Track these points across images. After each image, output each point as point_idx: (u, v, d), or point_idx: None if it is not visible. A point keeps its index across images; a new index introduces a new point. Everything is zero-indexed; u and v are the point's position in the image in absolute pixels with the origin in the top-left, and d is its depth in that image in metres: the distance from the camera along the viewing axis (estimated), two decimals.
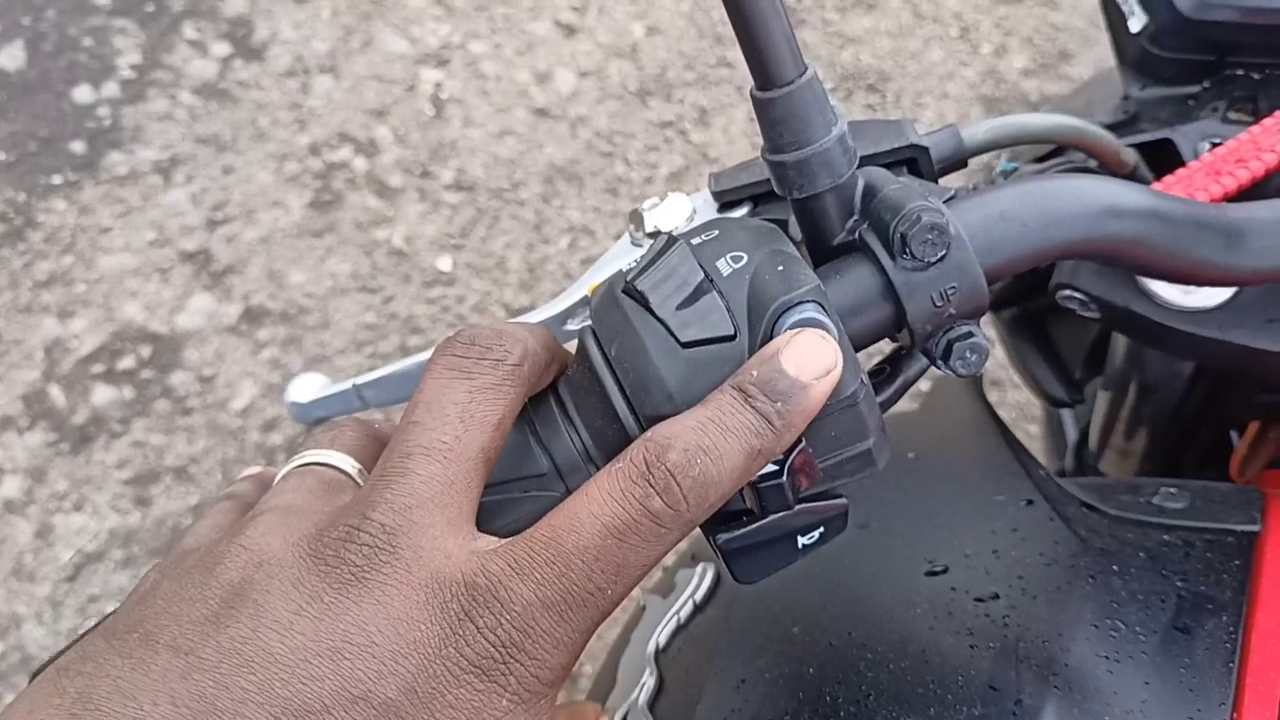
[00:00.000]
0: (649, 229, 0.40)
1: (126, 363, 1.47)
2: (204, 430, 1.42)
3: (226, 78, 1.70)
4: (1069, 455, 0.68)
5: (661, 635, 0.43)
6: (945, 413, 0.51)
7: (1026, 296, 0.58)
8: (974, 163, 0.43)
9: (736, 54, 1.72)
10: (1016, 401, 1.41)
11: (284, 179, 1.61)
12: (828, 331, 0.28)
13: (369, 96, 1.69)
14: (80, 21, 1.72)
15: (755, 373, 0.28)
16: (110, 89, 1.67)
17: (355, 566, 0.26)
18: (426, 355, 0.42)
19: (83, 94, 1.66)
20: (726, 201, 0.40)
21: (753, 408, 0.27)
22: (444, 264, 1.56)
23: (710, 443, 0.27)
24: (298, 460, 0.31)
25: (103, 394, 1.44)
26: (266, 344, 1.49)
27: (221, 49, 1.72)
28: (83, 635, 0.28)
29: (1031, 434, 1.30)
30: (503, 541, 0.28)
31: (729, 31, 1.73)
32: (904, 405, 0.36)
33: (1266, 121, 0.41)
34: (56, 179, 1.60)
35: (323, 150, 1.64)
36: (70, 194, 1.59)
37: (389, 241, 1.57)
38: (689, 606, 0.43)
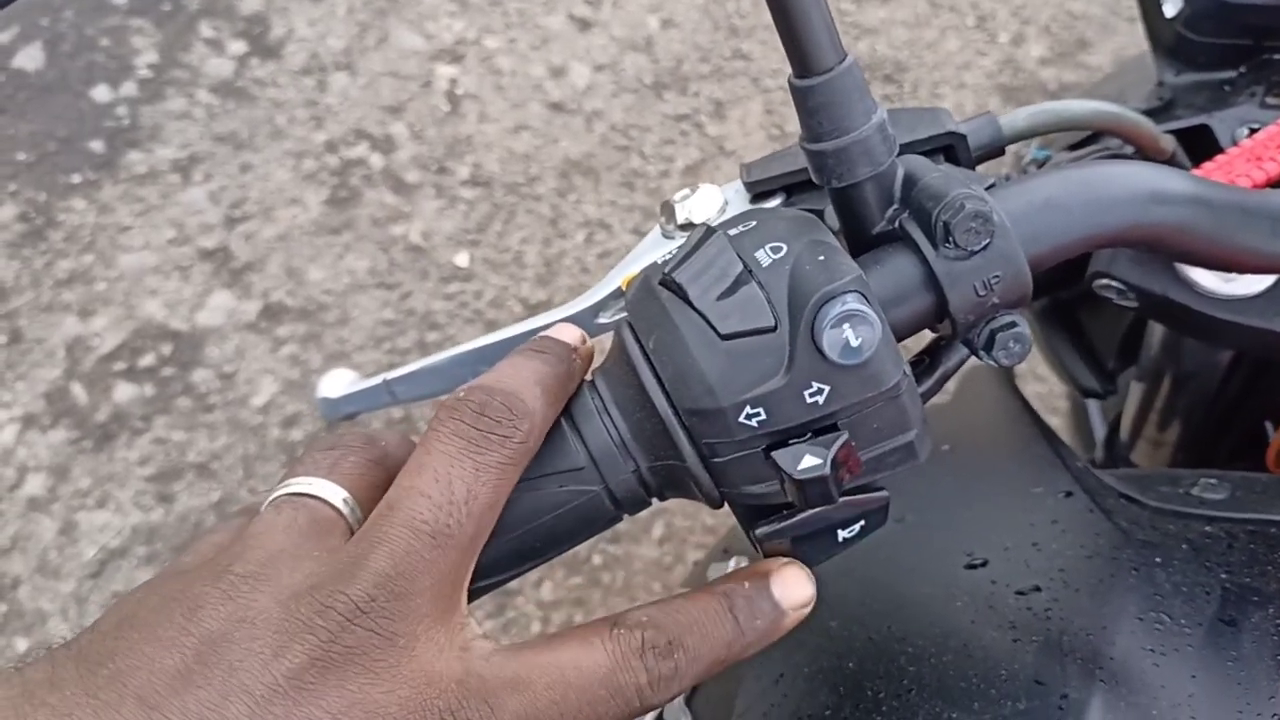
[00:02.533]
0: (680, 220, 0.40)
1: (147, 360, 1.47)
2: (225, 427, 1.43)
3: (243, 76, 1.70)
4: (1100, 446, 0.68)
5: None
6: (978, 404, 0.51)
7: (1058, 285, 0.58)
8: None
9: (752, 46, 1.71)
10: (1036, 393, 1.40)
11: (301, 176, 1.62)
12: (870, 324, 0.28)
13: (385, 93, 1.69)
14: (98, 21, 1.73)
15: (746, 585, 0.30)
16: (128, 88, 1.68)
17: (344, 647, 0.25)
18: (458, 350, 0.42)
19: (101, 94, 1.67)
20: (759, 192, 0.40)
21: (735, 619, 0.30)
22: (461, 259, 1.56)
23: (693, 643, 0.29)
24: (291, 487, 0.29)
25: (124, 391, 1.45)
26: (286, 341, 1.49)
27: (238, 47, 1.72)
28: (56, 649, 0.26)
29: (1054, 425, 1.29)
30: (496, 648, 0.28)
31: (744, 23, 1.73)
32: (935, 397, 0.36)
33: None
34: (76, 178, 1.61)
35: (339, 147, 1.64)
36: (90, 193, 1.59)
37: (406, 238, 1.57)
38: None
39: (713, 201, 0.40)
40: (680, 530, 1.34)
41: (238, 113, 1.66)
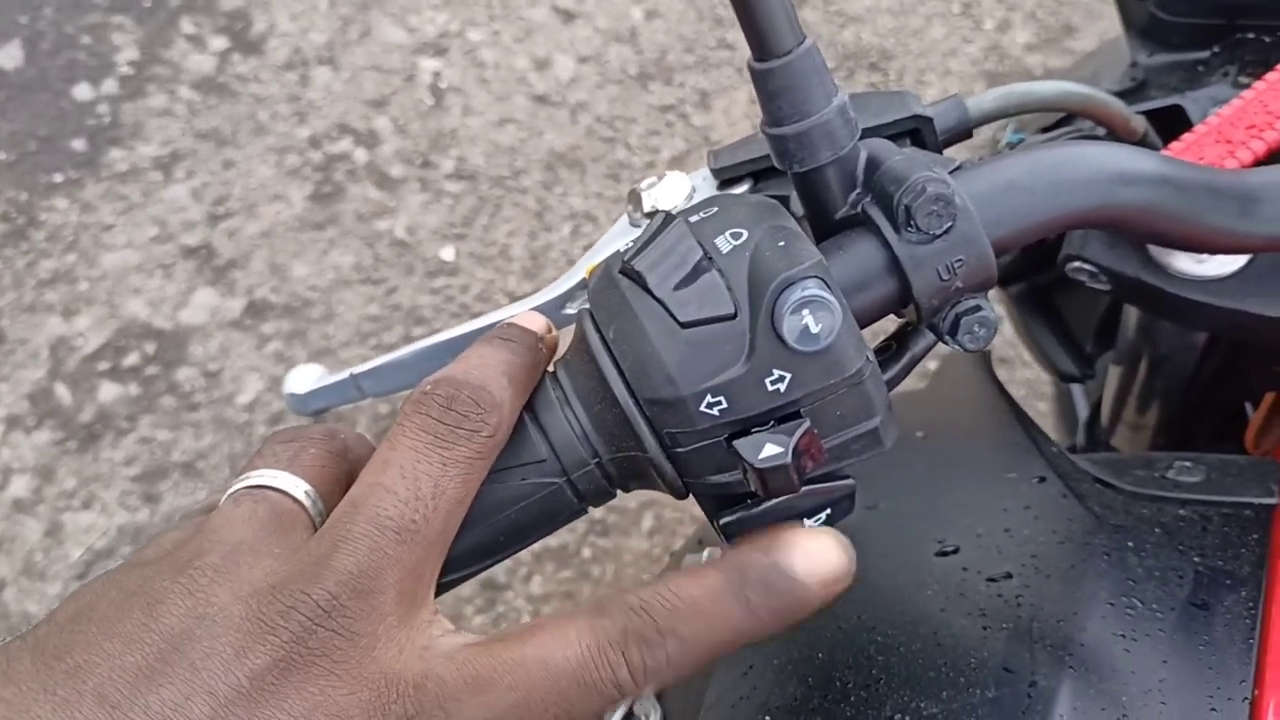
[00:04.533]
0: (647, 208, 0.39)
1: (131, 359, 1.46)
2: (210, 425, 1.42)
3: (225, 72, 1.69)
4: (1080, 431, 0.67)
5: None
6: (954, 390, 0.50)
7: (1035, 270, 0.57)
8: (979, 136, 0.42)
9: (736, 36, 1.70)
10: (1026, 379, 1.39)
11: (285, 172, 1.61)
12: (830, 310, 0.27)
13: (368, 87, 1.68)
14: (78, 19, 1.71)
15: (763, 558, 0.27)
16: (109, 86, 1.67)
17: (308, 649, 0.25)
18: (424, 344, 0.42)
19: (82, 91, 1.66)
20: (726, 179, 0.40)
21: (746, 598, 0.27)
22: (447, 254, 1.55)
23: (688, 630, 0.27)
24: (251, 479, 0.29)
25: (109, 391, 1.44)
26: (271, 338, 1.48)
27: (219, 43, 1.71)
28: (10, 641, 0.26)
29: (1041, 411, 1.29)
30: (460, 644, 0.27)
31: (729, 14, 1.72)
32: (911, 383, 0.35)
33: (1270, 77, 0.40)
34: (58, 177, 1.59)
35: (323, 142, 1.63)
36: (72, 192, 1.58)
37: (391, 232, 1.56)
38: None
39: (680, 189, 0.39)
40: (670, 522, 1.34)
41: (220, 109, 1.65)
